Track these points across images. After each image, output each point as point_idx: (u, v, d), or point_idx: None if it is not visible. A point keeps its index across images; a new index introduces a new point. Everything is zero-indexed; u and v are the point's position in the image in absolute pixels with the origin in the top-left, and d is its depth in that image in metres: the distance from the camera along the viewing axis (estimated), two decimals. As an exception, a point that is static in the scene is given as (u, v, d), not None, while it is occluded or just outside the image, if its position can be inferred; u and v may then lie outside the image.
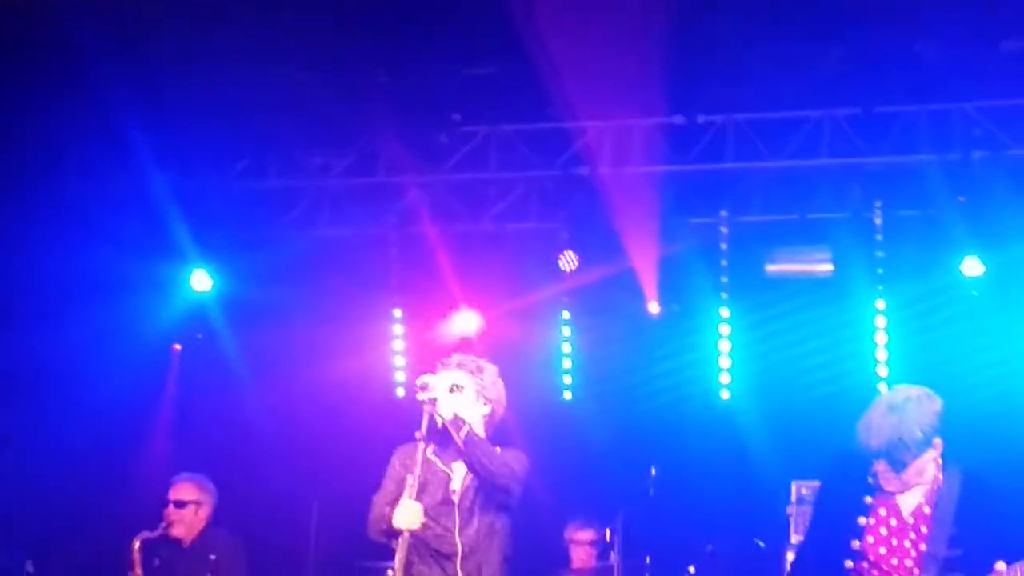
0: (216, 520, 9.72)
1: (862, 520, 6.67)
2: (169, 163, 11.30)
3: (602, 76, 10.36)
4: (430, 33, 10.05)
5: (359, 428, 11.12)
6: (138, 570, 9.36)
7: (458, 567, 7.15)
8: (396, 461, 7.36)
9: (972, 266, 10.66)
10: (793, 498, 10.54)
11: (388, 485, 7.30)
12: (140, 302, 11.87)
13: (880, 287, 10.98)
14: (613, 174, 10.93)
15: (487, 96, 10.79)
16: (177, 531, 9.60)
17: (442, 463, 7.29)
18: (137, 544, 9.38)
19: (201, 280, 11.93)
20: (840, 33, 9.98)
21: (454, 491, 7.25)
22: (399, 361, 11.93)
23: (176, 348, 12.24)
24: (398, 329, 11.98)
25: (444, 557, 7.18)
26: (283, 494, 11.65)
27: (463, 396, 7.30)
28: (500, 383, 7.47)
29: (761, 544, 10.69)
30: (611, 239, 11.03)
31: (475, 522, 7.24)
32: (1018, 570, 6.51)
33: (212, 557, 9.58)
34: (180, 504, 9.62)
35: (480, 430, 7.28)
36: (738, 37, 10.04)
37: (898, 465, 6.60)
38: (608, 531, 10.46)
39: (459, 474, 7.28)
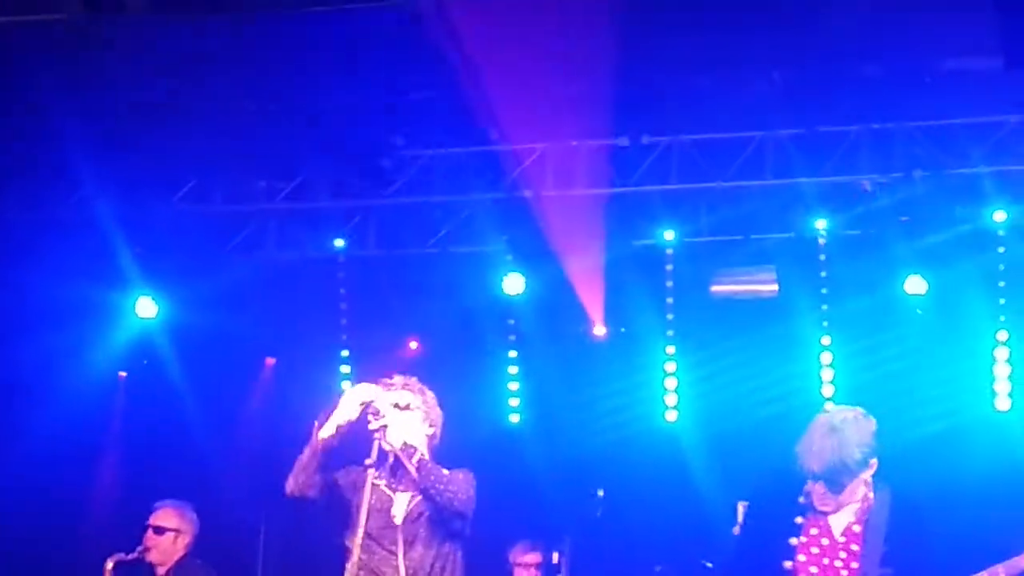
0: (195, 551, 9.56)
1: (793, 541, 6.68)
2: (112, 189, 11.23)
3: (546, 98, 10.37)
4: (373, 58, 10.02)
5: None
6: None
7: None
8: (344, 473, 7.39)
9: (915, 285, 10.70)
10: (740, 519, 10.52)
11: None
12: (86, 330, 11.82)
13: (825, 307, 11.00)
14: (557, 196, 10.94)
15: (430, 120, 10.77)
16: (153, 557, 9.42)
17: (387, 488, 7.29)
18: (110, 565, 9.27)
19: (146, 307, 11.89)
20: (783, 55, 10.00)
21: (394, 515, 7.24)
22: (347, 384, 11.88)
23: (122, 375, 12.18)
24: (345, 352, 11.97)
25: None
26: (231, 518, 11.58)
27: (411, 416, 7.32)
28: (438, 406, 7.48)
29: (708, 565, 10.66)
30: (556, 262, 11.03)
31: (419, 547, 7.24)
32: None
33: None
34: (159, 530, 9.45)
35: (426, 452, 7.28)
36: (682, 59, 10.05)
37: (837, 487, 6.61)
38: (555, 554, 10.42)
39: (402, 500, 7.29)
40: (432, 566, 7.25)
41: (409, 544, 7.22)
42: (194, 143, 10.99)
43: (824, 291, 10.95)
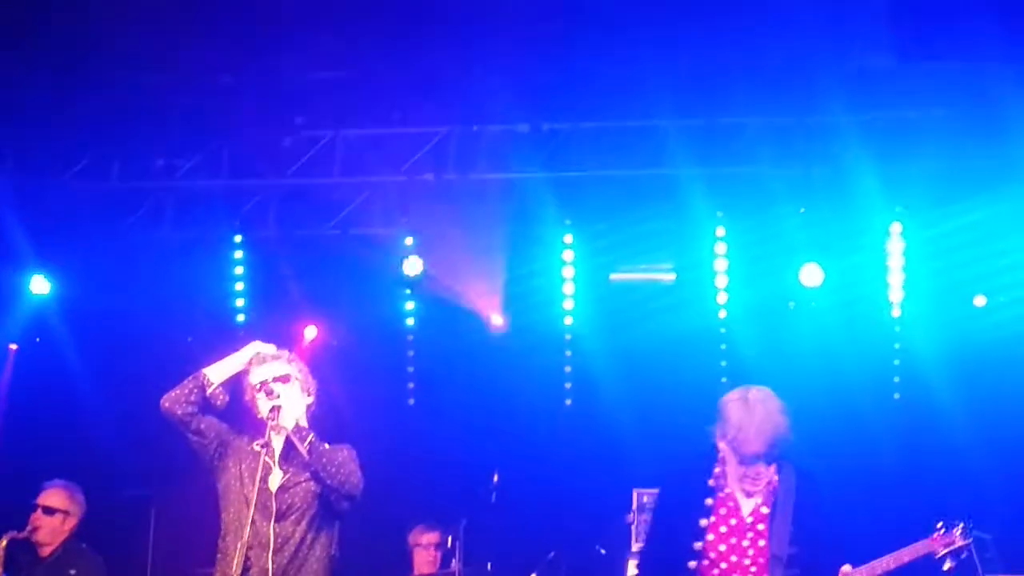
0: (79, 535, 9.47)
1: (703, 522, 6.80)
2: (5, 162, 11.06)
3: (449, 82, 10.36)
4: (275, 36, 9.96)
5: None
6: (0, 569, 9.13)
7: (269, 559, 7.15)
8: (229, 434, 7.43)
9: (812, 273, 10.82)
10: (634, 506, 10.61)
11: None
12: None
13: (722, 293, 11.11)
14: (459, 180, 10.95)
15: (332, 100, 10.72)
16: (41, 537, 9.34)
17: (268, 459, 7.29)
18: (4, 542, 9.14)
19: (39, 284, 11.74)
20: (688, 43, 10.04)
21: (270, 485, 7.23)
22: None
23: (12, 347, 11.99)
24: (243, 332, 11.90)
25: (260, 547, 7.16)
26: (121, 497, 11.48)
27: (291, 387, 7.32)
28: (311, 376, 7.49)
29: (602, 551, 10.73)
30: (457, 246, 11.04)
31: (292, 517, 7.24)
32: (864, 572, 6.87)
33: (72, 572, 9.35)
34: (48, 511, 9.37)
35: (305, 421, 7.29)
36: (587, 45, 10.06)
37: (755, 467, 6.76)
38: (450, 538, 10.43)
39: (279, 473, 7.29)
40: (303, 539, 7.26)
41: (281, 514, 7.24)
42: (91, 118, 10.87)
43: (721, 278, 11.04)
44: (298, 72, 10.55)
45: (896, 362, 10.86)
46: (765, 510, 6.83)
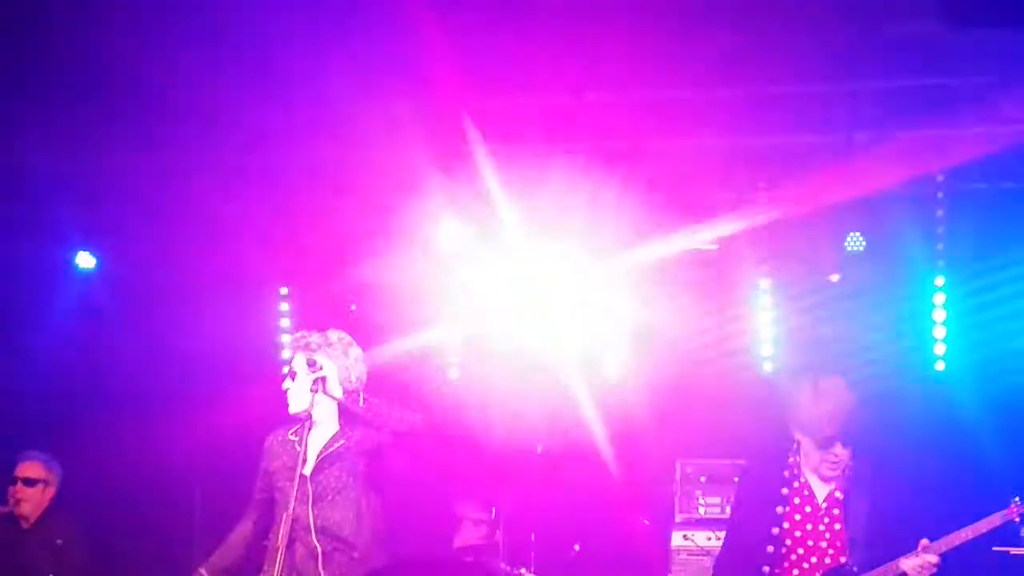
0: (59, 504, 9.64)
1: (780, 509, 7.36)
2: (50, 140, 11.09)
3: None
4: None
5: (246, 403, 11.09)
6: None
7: (314, 539, 7.23)
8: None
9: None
10: (677, 476, 10.61)
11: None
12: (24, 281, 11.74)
13: (766, 267, 11.04)
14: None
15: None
16: (24, 509, 9.47)
17: (296, 439, 7.38)
18: None
19: (85, 259, 11.81)
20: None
21: (305, 464, 7.44)
22: (285, 338, 11.83)
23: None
24: (284, 306, 11.97)
25: (300, 527, 7.34)
26: (166, 477, 11.54)
27: (330, 357, 7.63)
28: (342, 344, 7.66)
29: (646, 522, 10.74)
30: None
31: (329, 495, 7.29)
32: (943, 544, 7.21)
33: (58, 542, 9.45)
34: (29, 482, 9.49)
35: (350, 384, 7.57)
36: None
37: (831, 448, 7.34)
38: (494, 509, 10.46)
39: (313, 451, 7.41)
40: (338, 509, 7.32)
41: (318, 495, 7.30)
42: (133, 92, 10.85)
43: (765, 251, 10.98)
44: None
45: (937, 335, 10.76)
46: (839, 495, 7.37)
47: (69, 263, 11.89)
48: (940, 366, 10.70)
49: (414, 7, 8.89)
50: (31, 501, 9.50)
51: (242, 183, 11.28)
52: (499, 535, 10.26)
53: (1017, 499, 7.35)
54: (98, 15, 9.52)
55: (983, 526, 7.28)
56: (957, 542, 7.23)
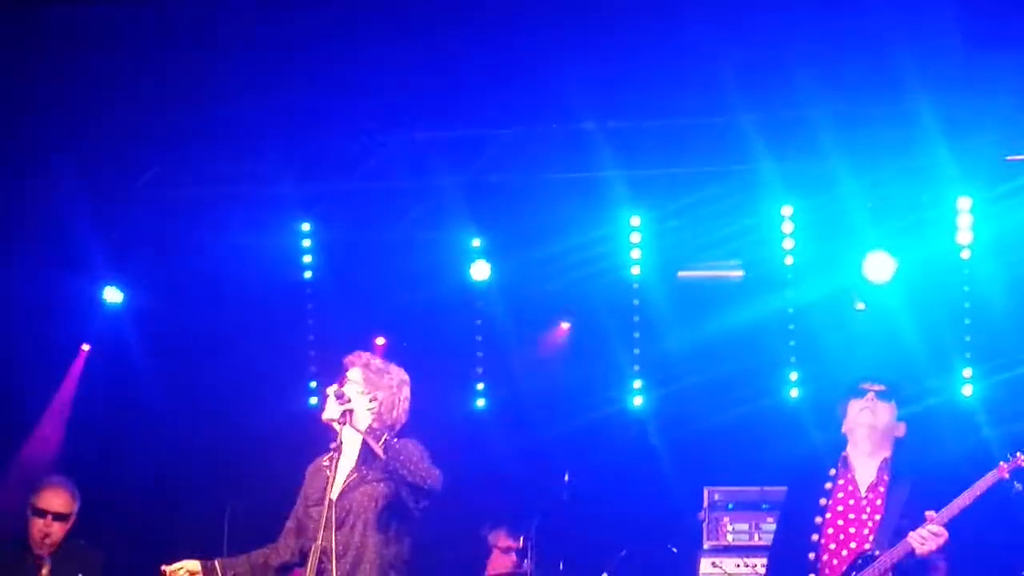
0: (76, 531, 9.18)
1: (823, 501, 7.74)
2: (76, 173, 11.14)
3: (515, 82, 10.31)
4: (343, 39, 9.96)
5: (273, 435, 11.12)
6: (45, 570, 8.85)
7: (334, 565, 7.19)
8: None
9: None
10: (705, 504, 10.59)
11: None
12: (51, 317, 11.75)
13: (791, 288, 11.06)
14: (525, 180, 10.95)
15: (399, 103, 10.70)
16: (50, 543, 8.92)
17: (329, 471, 7.34)
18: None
19: (112, 294, 11.84)
20: (753, 36, 9.92)
21: (332, 492, 7.32)
22: (314, 368, 11.85)
23: (84, 348, 12.09)
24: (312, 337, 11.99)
25: (325, 555, 7.22)
26: (194, 501, 11.54)
27: (360, 390, 7.44)
28: (394, 382, 7.54)
29: (674, 550, 10.70)
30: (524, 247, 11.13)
31: (351, 523, 7.27)
32: (944, 513, 7.47)
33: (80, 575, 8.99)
34: (61, 517, 8.96)
35: (377, 423, 7.37)
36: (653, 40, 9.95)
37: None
38: (522, 538, 10.44)
39: (341, 476, 7.32)
40: (363, 543, 7.28)
41: (341, 521, 7.27)
42: (159, 126, 10.91)
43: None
44: (365, 75, 10.54)
45: (967, 354, 10.72)
46: (881, 487, 7.72)
47: (96, 297, 11.89)
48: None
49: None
50: (58, 535, 8.94)
51: (273, 215, 11.37)
52: (528, 564, 10.24)
53: (1010, 456, 7.58)
54: (130, 53, 9.61)
55: (977, 489, 7.50)
56: (957, 510, 7.46)
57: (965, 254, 10.55)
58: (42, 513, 8.94)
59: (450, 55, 9.79)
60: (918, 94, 9.68)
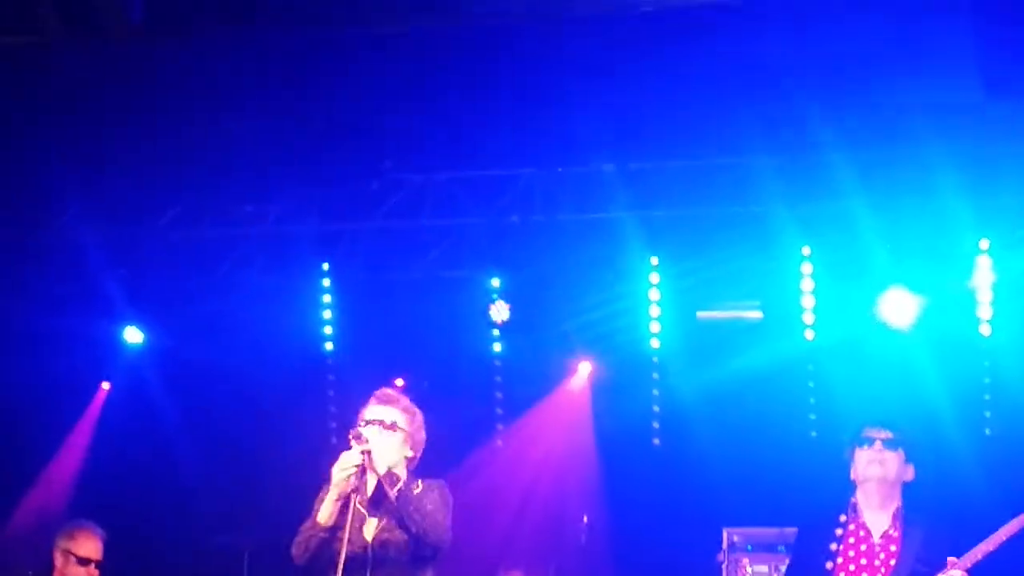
0: None
1: (833, 546, 7.61)
2: (96, 214, 11.20)
3: (534, 124, 10.37)
4: (361, 80, 10.02)
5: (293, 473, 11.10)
6: None
7: None
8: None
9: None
10: (724, 545, 10.56)
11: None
12: (72, 358, 11.80)
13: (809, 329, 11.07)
14: (545, 221, 10.99)
15: (420, 143, 10.76)
16: None
17: (361, 507, 7.29)
18: None
19: (133, 334, 11.89)
20: (770, 79, 9.96)
21: (366, 537, 7.21)
22: (333, 407, 11.88)
23: (104, 386, 12.13)
24: (332, 376, 12.01)
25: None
26: (214, 545, 11.55)
27: (393, 437, 7.29)
28: (423, 427, 7.48)
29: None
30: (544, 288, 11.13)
31: (387, 569, 7.24)
32: (968, 558, 7.36)
33: None
34: (94, 563, 8.67)
35: (404, 472, 7.28)
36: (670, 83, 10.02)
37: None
38: (539, 578, 10.46)
39: (373, 521, 7.29)
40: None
41: (377, 565, 7.23)
42: (180, 167, 10.97)
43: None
44: (385, 116, 10.59)
45: (987, 396, 10.71)
46: (895, 533, 7.58)
47: (117, 337, 11.95)
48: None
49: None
50: None
51: (293, 255, 11.42)
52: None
53: None
54: (151, 95, 9.66)
55: (1003, 534, 7.39)
56: (981, 555, 7.36)
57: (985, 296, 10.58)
58: (85, 562, 8.70)
59: (471, 98, 9.82)
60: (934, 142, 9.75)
